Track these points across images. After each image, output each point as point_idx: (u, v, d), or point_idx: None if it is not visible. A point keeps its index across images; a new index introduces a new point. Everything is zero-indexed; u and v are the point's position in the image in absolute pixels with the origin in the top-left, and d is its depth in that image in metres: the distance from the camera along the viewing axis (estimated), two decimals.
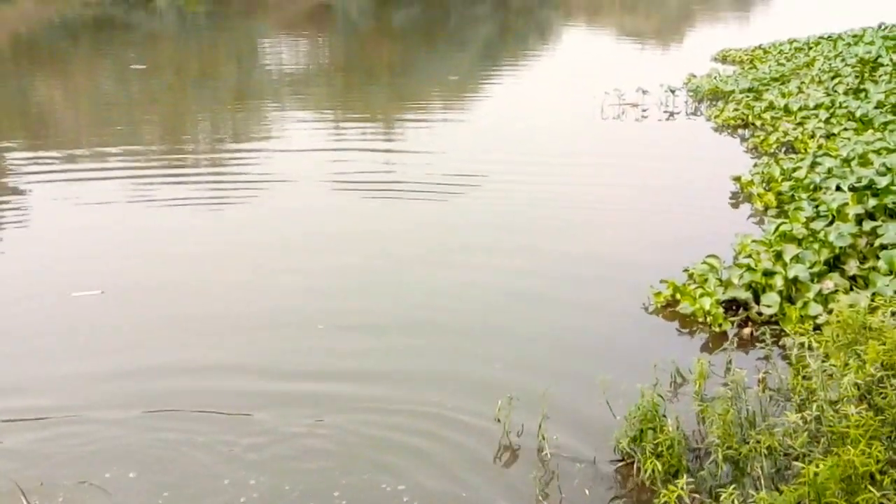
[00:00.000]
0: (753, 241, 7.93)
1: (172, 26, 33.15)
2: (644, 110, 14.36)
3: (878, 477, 4.01)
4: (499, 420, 5.41)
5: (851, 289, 6.86)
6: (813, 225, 8.04)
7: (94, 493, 4.91)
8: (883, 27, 18.04)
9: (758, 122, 12.74)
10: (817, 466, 4.09)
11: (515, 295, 7.62)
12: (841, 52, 15.99)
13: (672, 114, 14.21)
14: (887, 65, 14.06)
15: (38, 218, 9.90)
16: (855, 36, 17.61)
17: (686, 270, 7.64)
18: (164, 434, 5.45)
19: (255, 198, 10.54)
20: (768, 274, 7.10)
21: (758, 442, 4.60)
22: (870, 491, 3.92)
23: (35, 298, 7.49)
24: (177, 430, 5.48)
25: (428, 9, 36.67)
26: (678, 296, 7.22)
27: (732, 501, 3.88)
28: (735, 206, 9.87)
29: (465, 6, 37.21)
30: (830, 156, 9.96)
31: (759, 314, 6.85)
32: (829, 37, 18.24)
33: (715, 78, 15.71)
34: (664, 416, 5.03)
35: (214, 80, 20.74)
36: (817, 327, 6.29)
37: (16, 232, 9.54)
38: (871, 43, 16.15)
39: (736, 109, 13.38)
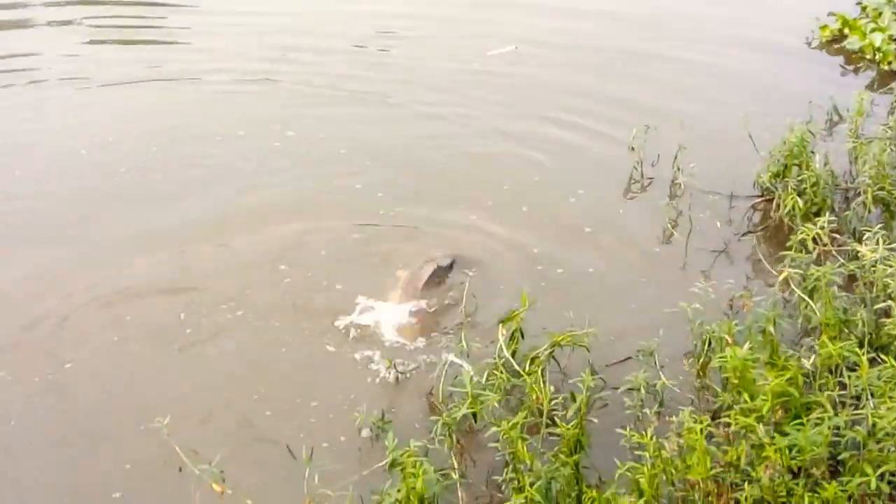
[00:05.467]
0: None
1: None
2: None
3: None
4: (632, 148, 5.18)
5: None
6: None
7: None
8: None
9: None
10: None
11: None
12: None
13: None
14: None
15: None
16: None
17: (859, 3, 6.92)
18: None
19: None
20: None
21: None
22: None
23: None
24: None
25: None
26: (847, 30, 6.61)
27: (877, 241, 3.60)
28: None
29: None
30: None
31: None
32: None
33: None
34: (812, 152, 4.68)
35: None
36: None
37: None
38: None
39: None
